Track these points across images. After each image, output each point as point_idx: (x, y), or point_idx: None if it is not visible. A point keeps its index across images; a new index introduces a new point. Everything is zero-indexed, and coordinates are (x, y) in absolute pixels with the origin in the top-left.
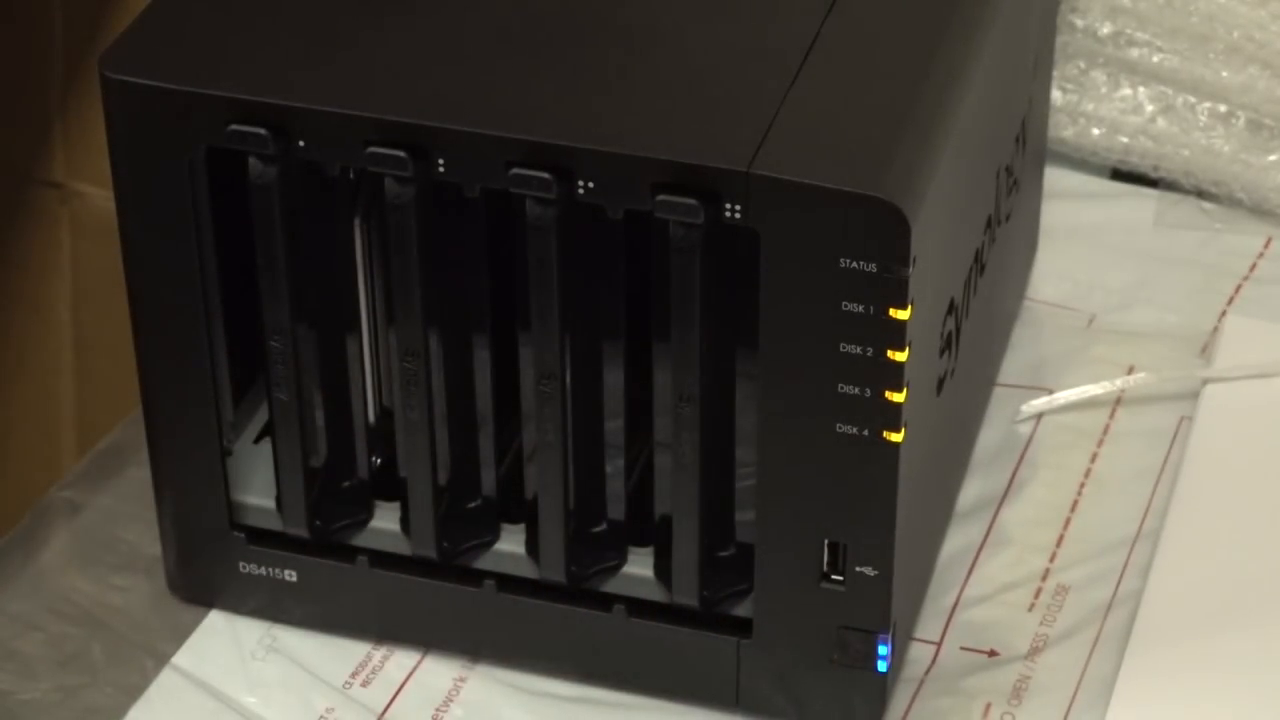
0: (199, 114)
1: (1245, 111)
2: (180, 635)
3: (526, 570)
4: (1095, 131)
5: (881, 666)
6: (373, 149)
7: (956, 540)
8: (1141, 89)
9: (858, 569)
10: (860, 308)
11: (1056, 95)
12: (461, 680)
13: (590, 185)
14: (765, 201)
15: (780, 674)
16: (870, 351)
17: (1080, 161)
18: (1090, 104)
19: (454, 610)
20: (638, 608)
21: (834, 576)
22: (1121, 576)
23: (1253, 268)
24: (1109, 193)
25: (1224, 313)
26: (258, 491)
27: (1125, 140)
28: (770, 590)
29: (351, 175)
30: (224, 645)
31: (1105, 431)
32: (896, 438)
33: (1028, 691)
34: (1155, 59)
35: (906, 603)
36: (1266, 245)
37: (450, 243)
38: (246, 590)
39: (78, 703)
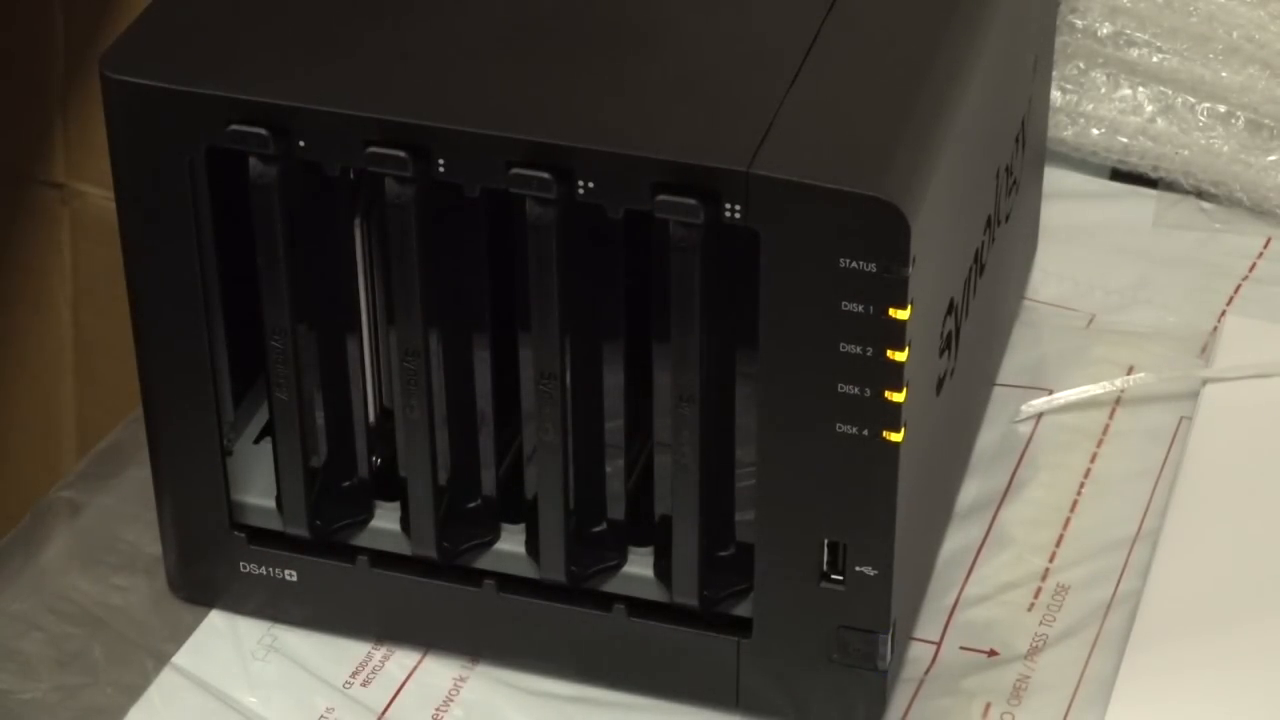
0: (199, 114)
1: (1245, 111)
2: (180, 635)
3: (526, 570)
4: (1095, 131)
5: (881, 666)
6: (373, 149)
7: (956, 540)
8: (1141, 89)
9: (858, 569)
10: (860, 308)
11: (1056, 95)
12: (461, 680)
13: (590, 185)
14: (765, 201)
15: (780, 674)
16: (870, 351)
17: (1080, 161)
18: (1090, 104)
19: (454, 610)
20: (638, 608)
21: (834, 576)
22: (1121, 576)
23: (1252, 268)
24: (1108, 193)
25: (1223, 313)
26: (258, 491)
27: (1125, 140)
28: (770, 590)
29: (352, 175)
30: (224, 645)
31: (1105, 431)
32: (896, 438)
33: (1028, 691)
34: (1155, 59)
35: (906, 602)
36: (1266, 245)
37: (450, 243)
38: (247, 590)
39: (78, 703)
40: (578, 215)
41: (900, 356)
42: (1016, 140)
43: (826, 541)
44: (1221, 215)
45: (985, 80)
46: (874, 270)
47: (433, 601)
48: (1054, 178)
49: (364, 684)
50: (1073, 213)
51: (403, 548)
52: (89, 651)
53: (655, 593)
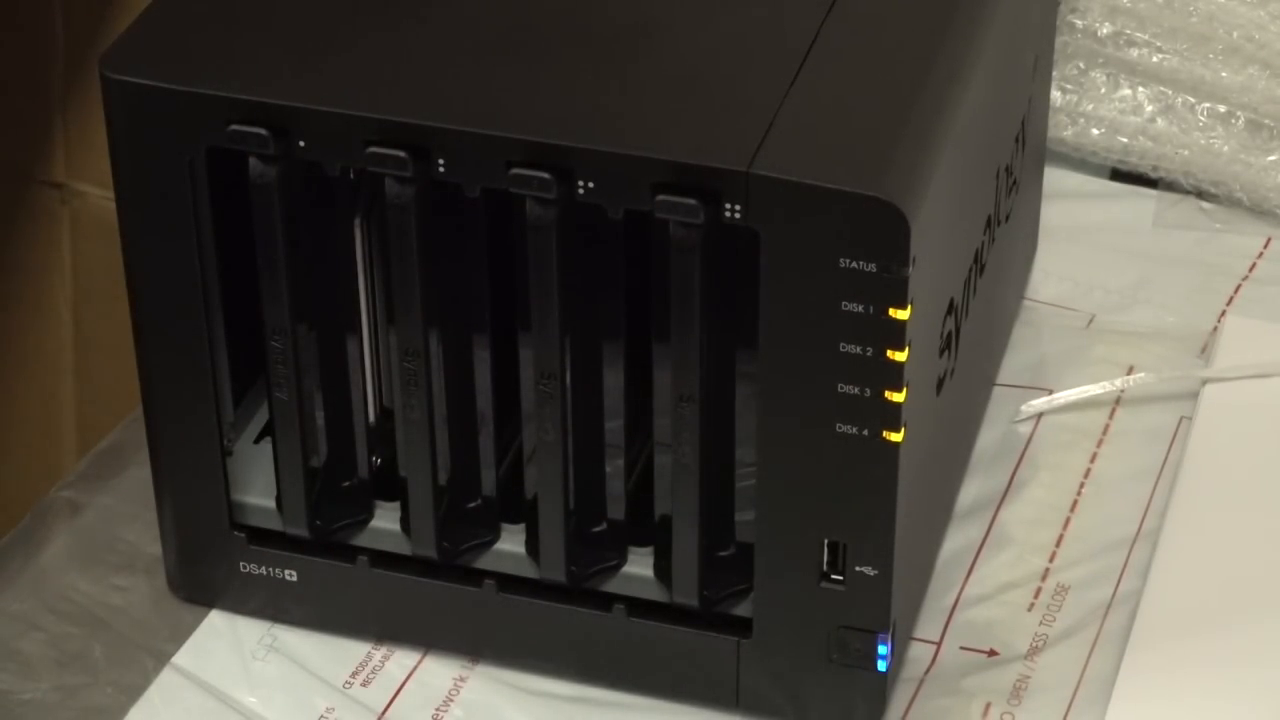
0: (199, 114)
1: (1245, 111)
2: (181, 635)
3: (526, 570)
4: (1095, 131)
5: (881, 666)
6: (373, 149)
7: (956, 540)
8: (1141, 89)
9: (858, 569)
10: (860, 308)
11: (1056, 95)
12: (461, 680)
13: (590, 185)
14: (765, 201)
15: (780, 674)
16: (870, 351)
17: (1080, 161)
18: (1090, 104)
19: (454, 610)
20: (638, 608)
21: (834, 576)
22: (1121, 576)
23: (1252, 268)
24: (1109, 193)
25: (1223, 313)
26: (258, 491)
27: (1125, 140)
28: (770, 590)
29: (352, 175)
30: (224, 645)
31: (1105, 431)
32: (896, 438)
33: (1028, 691)
34: (1155, 59)
35: (906, 602)
36: (1266, 245)
37: (450, 243)
38: (247, 590)
39: (78, 703)
40: (578, 215)
41: (900, 356)
42: (1016, 140)
43: (826, 541)
44: (1221, 215)
45: (985, 80)
46: (874, 270)
47: (433, 601)
48: (1054, 178)
49: (364, 684)
50: (1073, 213)
51: (403, 548)
52: (89, 651)
53: (655, 593)
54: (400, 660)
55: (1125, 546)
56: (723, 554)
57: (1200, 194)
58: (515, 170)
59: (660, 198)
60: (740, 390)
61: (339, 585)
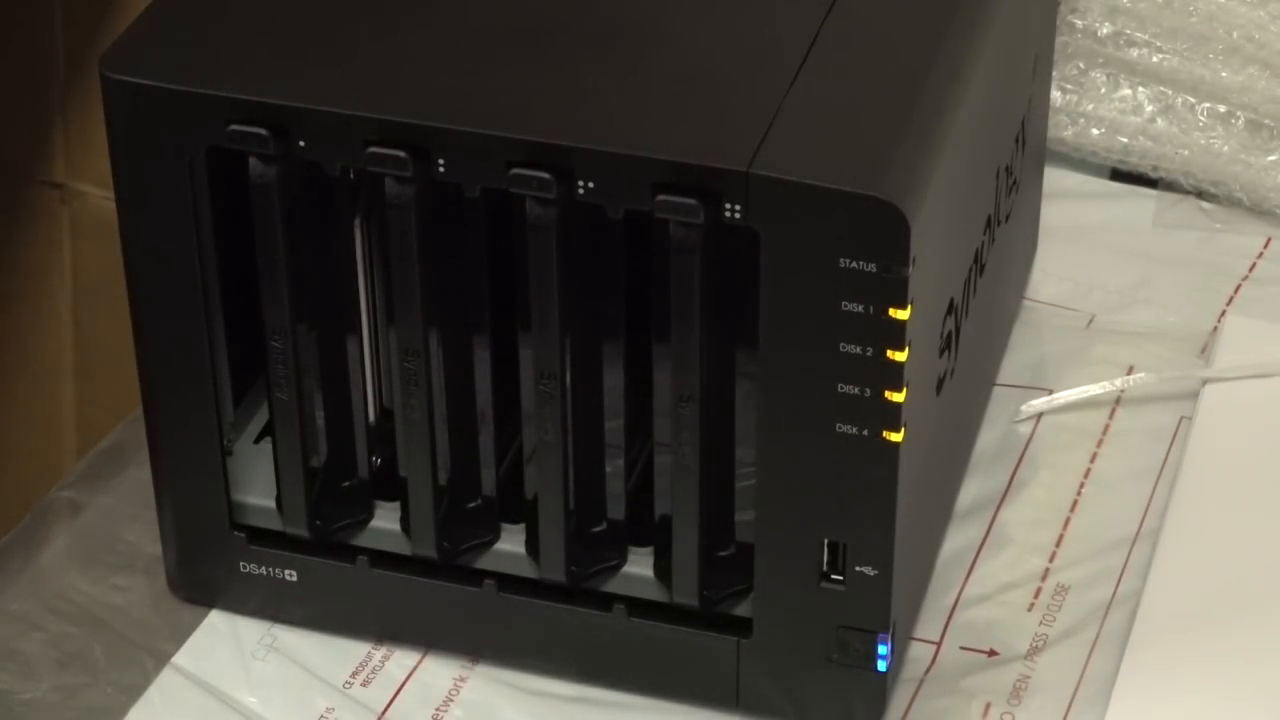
0: (199, 114)
1: (1245, 111)
2: (180, 635)
3: (526, 570)
4: (1095, 131)
5: (881, 666)
6: (373, 149)
7: (956, 540)
8: (1141, 89)
9: (858, 569)
10: (860, 308)
11: (1056, 95)
12: (461, 680)
13: (590, 185)
14: (765, 201)
15: (780, 674)
16: (870, 351)
17: (1080, 161)
18: (1090, 104)
19: (454, 610)
20: (638, 608)
21: (834, 576)
22: (1121, 576)
23: (1252, 268)
24: (1108, 193)
25: (1223, 313)
26: (258, 491)
27: (1125, 140)
28: (770, 590)
29: (352, 175)
30: (224, 645)
31: (1105, 431)
32: (896, 438)
33: (1027, 691)
34: (1155, 59)
35: (906, 602)
36: (1266, 245)
37: (450, 243)
38: (247, 590)
39: (78, 703)
40: (578, 215)
41: (900, 356)
42: (1016, 140)
43: (826, 541)
44: (1221, 215)
45: (985, 80)
46: (874, 270)
47: (433, 601)
48: (1054, 178)
49: (364, 684)
50: (1073, 213)
51: (403, 548)
52: (89, 651)
53: (655, 593)
54: (400, 660)
55: (1125, 546)
56: (723, 554)
57: (1200, 194)
58: (515, 170)
59: (660, 198)
60: (740, 390)
61: (339, 585)
